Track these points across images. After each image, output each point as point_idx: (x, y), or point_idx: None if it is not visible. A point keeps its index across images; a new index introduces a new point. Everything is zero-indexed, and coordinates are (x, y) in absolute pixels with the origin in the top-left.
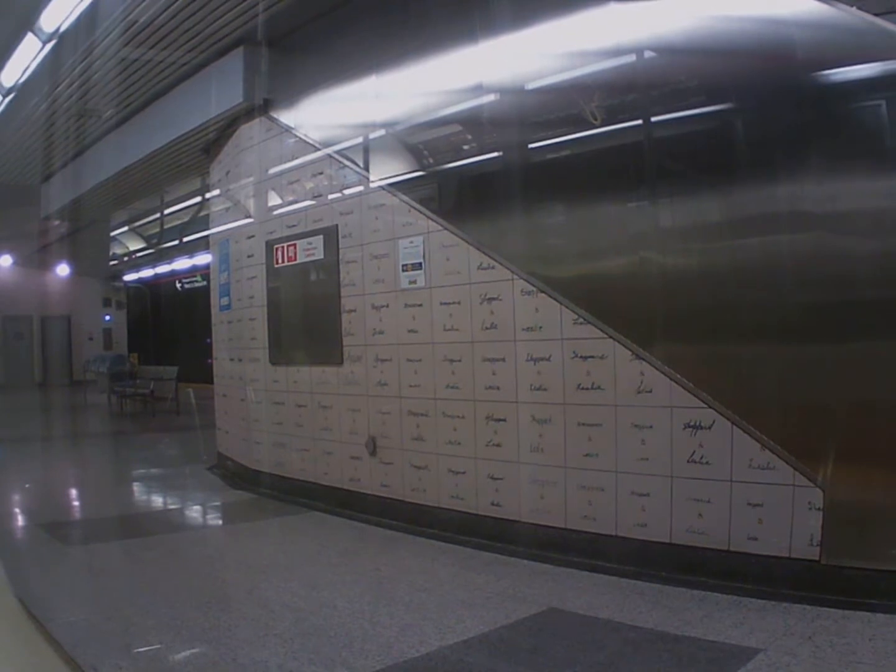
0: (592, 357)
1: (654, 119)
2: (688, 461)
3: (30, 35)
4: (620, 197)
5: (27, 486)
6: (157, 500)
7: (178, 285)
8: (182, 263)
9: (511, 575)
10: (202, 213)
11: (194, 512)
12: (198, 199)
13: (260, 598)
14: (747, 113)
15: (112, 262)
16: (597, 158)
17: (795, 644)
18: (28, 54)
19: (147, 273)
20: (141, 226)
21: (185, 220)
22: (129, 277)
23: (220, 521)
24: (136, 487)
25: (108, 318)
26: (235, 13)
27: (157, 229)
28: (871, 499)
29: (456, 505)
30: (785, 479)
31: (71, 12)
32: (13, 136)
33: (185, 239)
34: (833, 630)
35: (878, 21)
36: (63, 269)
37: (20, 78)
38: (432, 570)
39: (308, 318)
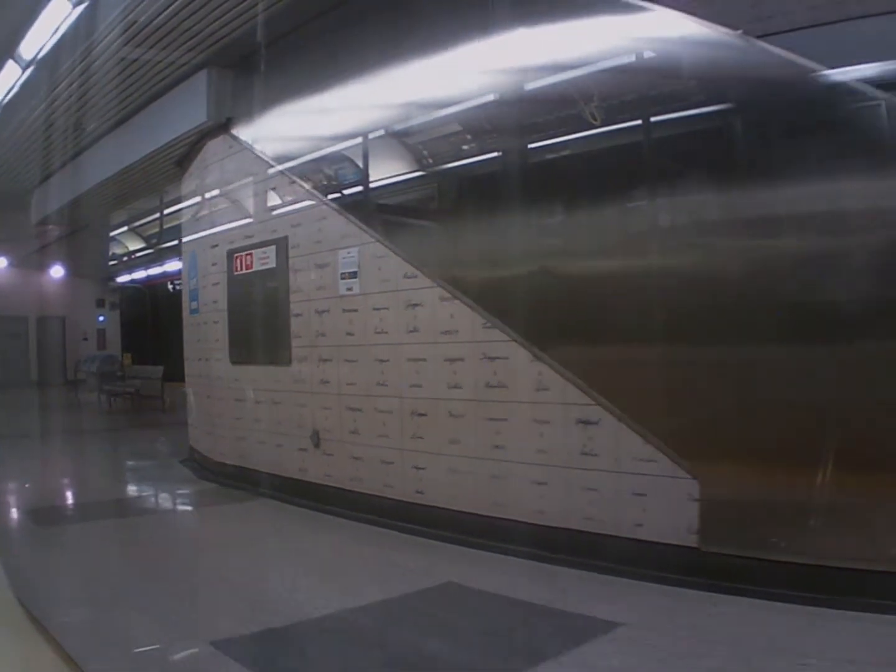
0: (499, 358)
1: (552, 142)
2: (580, 453)
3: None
4: (522, 213)
5: (13, 476)
6: (129, 490)
7: (170, 287)
8: (174, 265)
9: (425, 554)
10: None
11: (159, 499)
12: (197, 198)
13: (197, 567)
14: (637, 133)
15: (112, 262)
16: (501, 180)
17: (660, 621)
18: (9, 78)
19: (140, 274)
20: (140, 226)
21: (185, 220)
22: (122, 279)
23: (181, 507)
24: (112, 479)
25: (101, 318)
26: (200, 38)
27: (157, 229)
28: (744, 491)
29: (387, 492)
30: (665, 472)
31: (52, 35)
32: (6, 144)
33: (185, 239)
34: (701, 611)
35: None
36: (58, 271)
37: (4, 98)
38: (356, 550)
39: (262, 322)
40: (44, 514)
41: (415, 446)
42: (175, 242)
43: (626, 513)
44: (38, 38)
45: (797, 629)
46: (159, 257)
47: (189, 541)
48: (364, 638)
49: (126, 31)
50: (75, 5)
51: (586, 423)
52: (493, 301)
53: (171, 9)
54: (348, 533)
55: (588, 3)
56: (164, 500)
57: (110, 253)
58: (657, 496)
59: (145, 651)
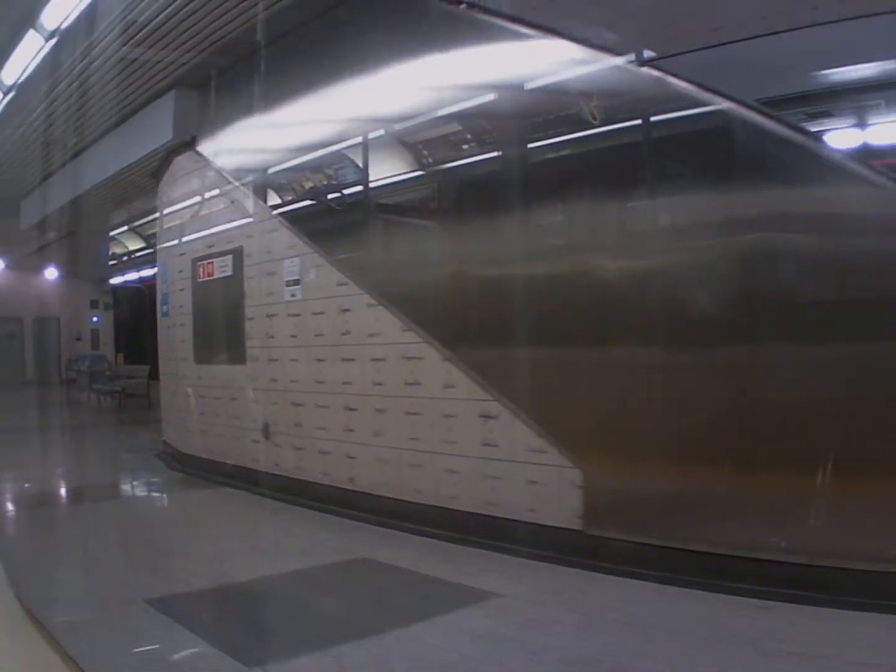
0: (415, 358)
1: (461, 164)
2: (482, 444)
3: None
4: (431, 229)
5: None
6: (101, 479)
7: None
8: None
9: (349, 534)
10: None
11: (127, 487)
12: (197, 198)
13: (146, 542)
14: (530, 155)
15: (112, 262)
16: (413, 200)
17: (533, 594)
18: None
19: (133, 276)
20: (140, 226)
21: (158, 229)
22: (115, 280)
23: (144, 494)
24: (87, 470)
25: (95, 319)
26: (167, 62)
27: (157, 229)
28: (621, 480)
29: (324, 480)
30: (554, 462)
31: (33, 59)
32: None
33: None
34: (575, 587)
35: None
36: (52, 273)
37: None
38: (289, 530)
39: (222, 325)
40: (22, 500)
41: (347, 438)
42: (175, 242)
43: (522, 498)
44: (20, 64)
45: (655, 607)
46: (153, 258)
47: (145, 521)
48: (273, 599)
49: (98, 58)
50: (47, 39)
51: (487, 417)
52: (410, 307)
53: (139, 35)
54: (287, 516)
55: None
56: (131, 488)
57: (110, 252)
58: (547, 484)
59: (90, 604)
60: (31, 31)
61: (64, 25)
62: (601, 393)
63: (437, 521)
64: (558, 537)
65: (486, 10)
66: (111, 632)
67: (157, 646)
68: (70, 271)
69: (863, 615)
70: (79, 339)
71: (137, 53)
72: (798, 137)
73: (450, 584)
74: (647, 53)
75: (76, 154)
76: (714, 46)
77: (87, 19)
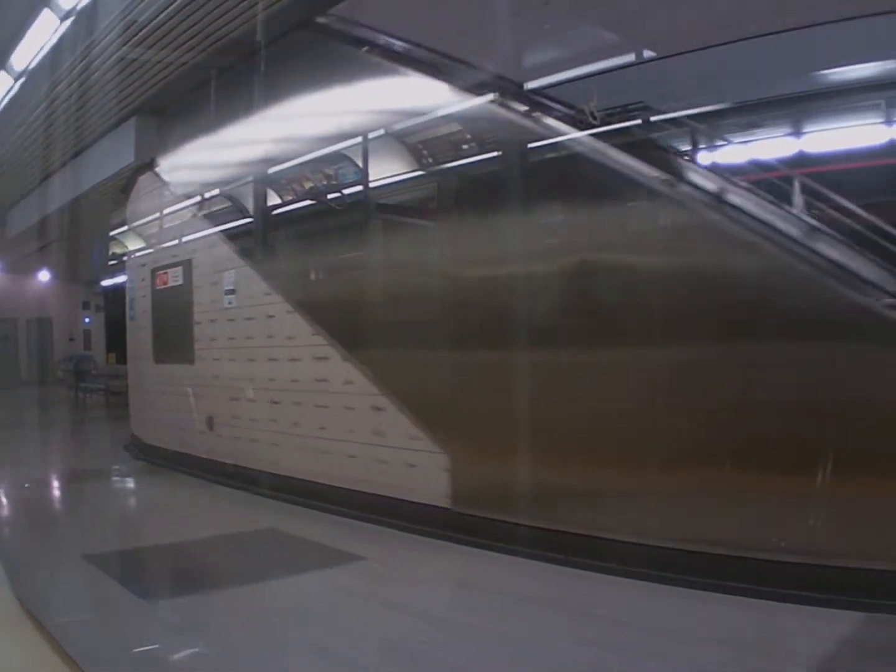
0: (322, 358)
1: (354, 192)
2: (374, 433)
3: None
4: (329, 249)
5: None
6: (70, 466)
7: None
8: None
9: (266, 510)
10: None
11: (91, 473)
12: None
13: (95, 514)
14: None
15: (112, 262)
16: (316, 223)
17: (396, 559)
18: None
19: (124, 278)
20: (140, 226)
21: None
22: (107, 282)
23: (105, 479)
24: (60, 459)
25: (87, 320)
26: (131, 89)
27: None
28: (481, 465)
29: (254, 464)
30: (427, 448)
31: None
32: None
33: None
34: (434, 555)
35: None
36: (45, 276)
37: None
38: (217, 506)
39: (175, 328)
40: None
41: (271, 428)
42: (175, 242)
43: (404, 480)
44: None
45: (496, 573)
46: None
47: (99, 500)
48: (186, 556)
49: (64, 91)
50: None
51: (377, 409)
52: (317, 314)
53: (106, 65)
54: (221, 496)
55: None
56: (94, 475)
57: (111, 253)
58: (423, 467)
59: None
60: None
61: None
62: (460, 389)
63: (341, 500)
64: (431, 514)
65: (385, 52)
66: (53, 578)
67: (83, 586)
68: (62, 274)
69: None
70: (71, 339)
71: (106, 80)
72: (624, 165)
73: (332, 549)
74: (647, 53)
75: (54, 171)
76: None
77: (54, 54)
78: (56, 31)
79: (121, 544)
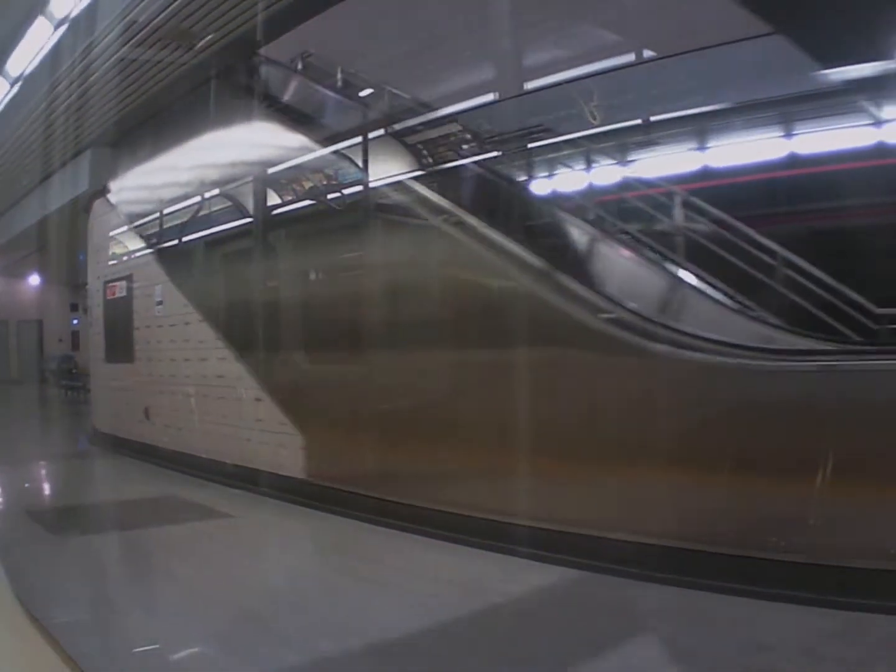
0: (224, 359)
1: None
2: (256, 420)
3: None
4: (223, 268)
5: None
6: (34, 451)
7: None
8: None
9: (175, 483)
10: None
11: (51, 456)
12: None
13: (43, 483)
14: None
15: (111, 262)
16: (223, 246)
17: (254, 517)
18: None
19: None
20: (141, 226)
21: (185, 219)
22: None
23: (61, 460)
24: (26, 445)
25: (75, 321)
26: (88, 125)
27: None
28: (327, 445)
29: (176, 447)
30: (291, 431)
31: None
32: None
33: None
34: (285, 515)
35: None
36: (35, 279)
37: None
38: (141, 480)
39: (120, 333)
40: None
41: (188, 416)
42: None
43: (277, 457)
44: None
45: (329, 530)
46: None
47: (50, 475)
48: (94, 512)
49: (31, 126)
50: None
51: (258, 400)
52: (217, 321)
53: (67, 101)
54: (146, 472)
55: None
56: (52, 457)
57: (115, 251)
58: (288, 447)
59: None
60: None
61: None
62: (307, 384)
63: (235, 474)
64: (293, 484)
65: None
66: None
67: (21, 528)
68: (52, 277)
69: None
70: (60, 340)
71: (70, 113)
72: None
73: (210, 510)
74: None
75: (31, 190)
76: None
77: (23, 95)
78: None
79: (54, 504)
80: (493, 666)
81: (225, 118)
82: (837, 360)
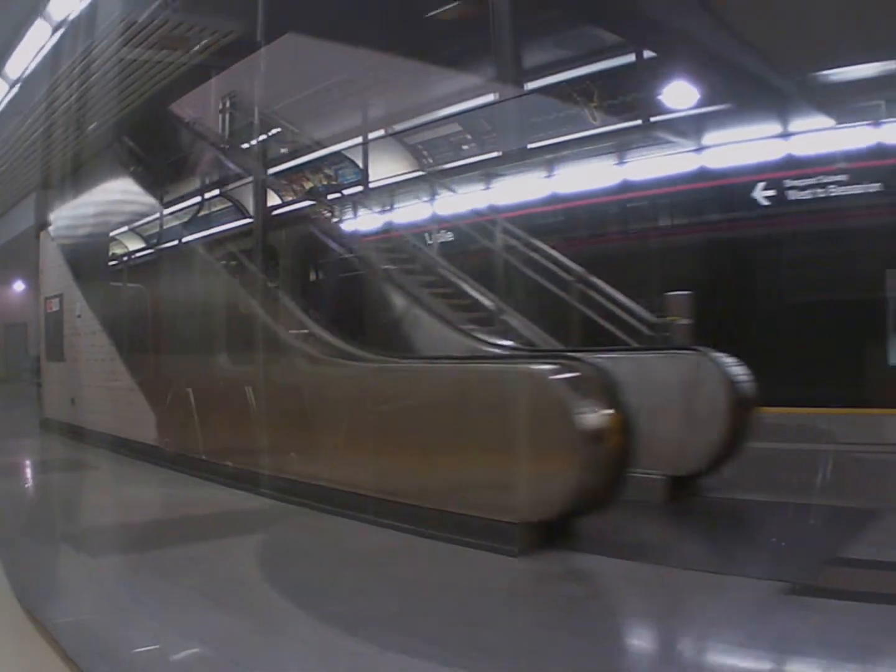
0: (114, 359)
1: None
2: (129, 403)
3: None
4: (116, 288)
5: None
6: None
7: None
8: None
9: (85, 452)
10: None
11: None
12: (197, 198)
13: None
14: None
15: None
16: (114, 272)
17: (116, 471)
18: None
19: None
20: (141, 226)
21: (185, 219)
22: None
23: (13, 439)
24: None
25: None
26: (34, 170)
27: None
28: (166, 421)
29: (92, 427)
30: (149, 412)
31: None
32: None
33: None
34: (140, 470)
35: None
36: (20, 286)
37: None
38: (58, 451)
39: (54, 338)
40: None
41: (98, 403)
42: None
43: (146, 431)
44: None
45: (169, 483)
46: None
47: None
48: (11, 469)
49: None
50: None
51: (132, 390)
52: (108, 331)
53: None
54: (67, 446)
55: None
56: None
57: (115, 251)
58: (148, 423)
59: None
60: None
61: None
62: (153, 376)
63: (124, 446)
64: (149, 450)
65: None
66: None
67: None
68: (31, 286)
69: None
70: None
71: (18, 162)
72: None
73: (94, 466)
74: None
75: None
76: None
77: None
78: None
79: None
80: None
81: (119, 173)
82: (385, 363)
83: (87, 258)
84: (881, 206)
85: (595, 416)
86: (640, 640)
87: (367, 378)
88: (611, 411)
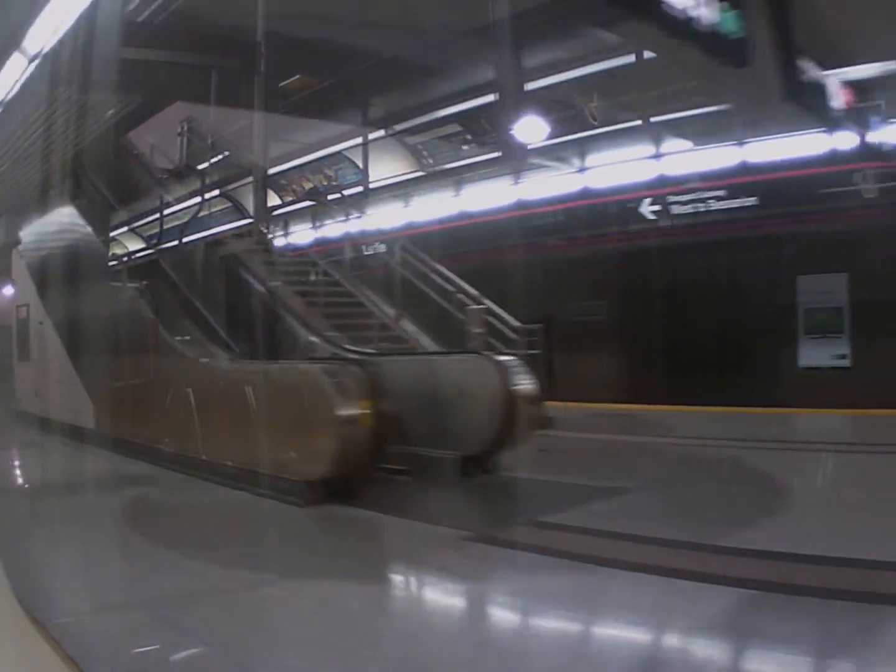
0: (62, 359)
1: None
2: (74, 394)
3: None
4: (65, 297)
5: None
6: None
7: None
8: None
9: (41, 435)
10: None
11: None
12: (197, 199)
13: None
14: None
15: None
16: (58, 285)
17: (52, 448)
18: None
19: None
20: (140, 226)
21: (185, 220)
22: None
23: None
24: None
25: None
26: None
27: (157, 229)
28: (102, 408)
29: (49, 416)
30: (89, 402)
31: None
32: None
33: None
34: (74, 449)
35: None
36: (9, 290)
37: None
38: (25, 436)
39: (22, 341)
40: None
41: (54, 395)
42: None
43: (87, 417)
44: None
45: (97, 459)
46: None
47: None
48: None
49: None
50: None
51: (76, 383)
52: (59, 335)
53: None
54: (31, 432)
55: None
56: None
57: (115, 252)
58: (88, 411)
59: None
60: None
61: None
62: (88, 372)
63: (69, 429)
64: (89, 434)
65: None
66: None
67: None
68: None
69: None
70: None
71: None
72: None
73: (35, 444)
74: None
75: None
76: None
77: None
78: None
79: None
80: None
81: (64, 203)
82: (229, 364)
83: (45, 273)
84: (749, 220)
85: (349, 405)
86: (352, 554)
87: (216, 374)
88: (363, 401)
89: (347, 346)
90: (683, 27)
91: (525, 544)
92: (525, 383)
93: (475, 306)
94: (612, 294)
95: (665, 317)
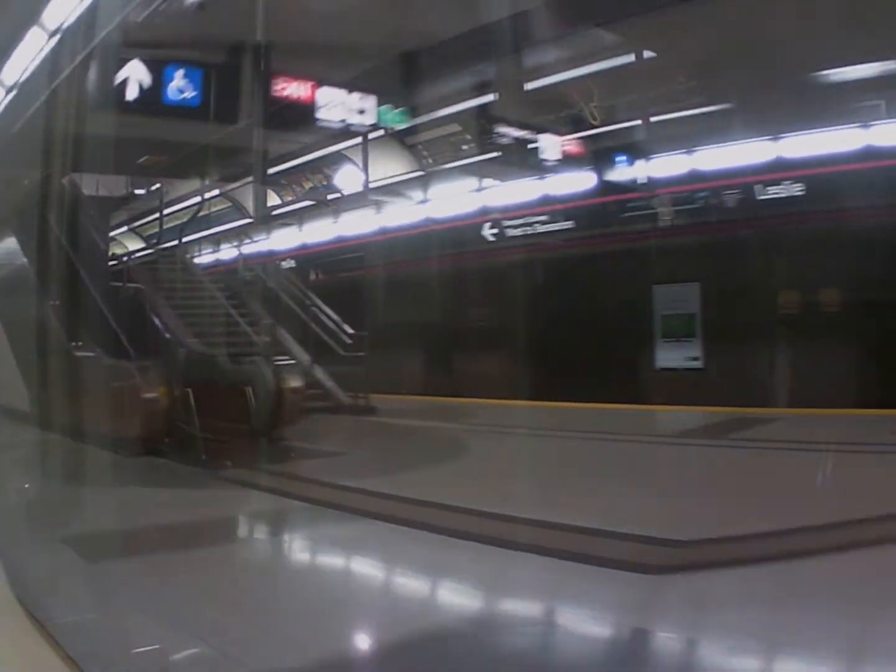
0: (13, 356)
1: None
2: (17, 388)
3: None
4: (15, 304)
5: None
6: None
7: None
8: None
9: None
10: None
11: None
12: (197, 198)
13: None
14: None
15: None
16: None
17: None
18: None
19: None
20: (140, 226)
21: (185, 219)
22: None
23: None
24: None
25: None
26: None
27: (157, 229)
28: (39, 398)
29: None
30: (26, 392)
31: None
32: None
33: (185, 239)
34: (25, 431)
35: None
36: None
37: None
38: None
39: None
40: None
41: (11, 387)
42: (175, 242)
43: (24, 403)
44: None
45: (36, 438)
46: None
47: None
48: None
49: None
50: None
51: (21, 378)
52: (9, 335)
53: None
54: (18, 428)
55: None
56: None
57: (115, 252)
58: (26, 398)
59: None
60: None
61: None
62: (27, 368)
63: (18, 414)
64: (29, 416)
65: None
66: None
67: None
68: None
69: None
70: None
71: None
72: None
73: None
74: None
75: None
76: None
77: None
78: None
79: None
80: None
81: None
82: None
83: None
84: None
85: (151, 389)
86: (129, 480)
87: (82, 367)
88: (161, 388)
89: (196, 348)
90: None
91: (259, 485)
92: (292, 380)
93: (266, 321)
94: (496, 301)
95: (531, 323)
